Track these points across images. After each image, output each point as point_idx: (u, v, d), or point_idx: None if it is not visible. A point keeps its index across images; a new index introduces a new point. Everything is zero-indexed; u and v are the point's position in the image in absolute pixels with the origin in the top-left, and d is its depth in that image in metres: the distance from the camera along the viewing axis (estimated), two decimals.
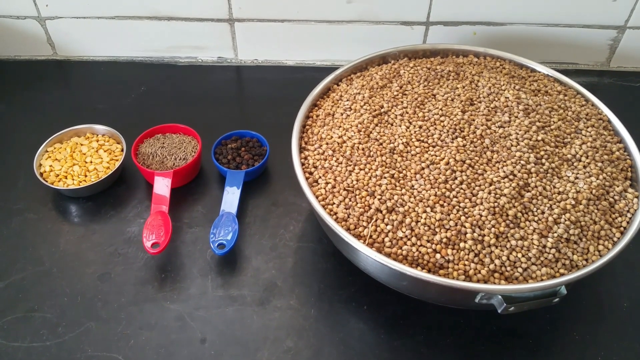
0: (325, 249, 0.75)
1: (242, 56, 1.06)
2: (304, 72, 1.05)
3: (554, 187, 0.64)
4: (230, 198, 0.77)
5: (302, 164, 0.69)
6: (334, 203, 0.65)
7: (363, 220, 0.63)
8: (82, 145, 0.84)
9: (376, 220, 0.62)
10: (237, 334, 0.66)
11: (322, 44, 1.02)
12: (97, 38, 1.04)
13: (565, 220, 0.61)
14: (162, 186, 0.77)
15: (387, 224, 0.62)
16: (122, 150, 0.84)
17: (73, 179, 0.79)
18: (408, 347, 0.65)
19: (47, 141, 0.84)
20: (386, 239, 0.61)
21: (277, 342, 0.66)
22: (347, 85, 0.79)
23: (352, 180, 0.65)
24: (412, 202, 0.63)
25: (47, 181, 0.79)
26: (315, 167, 0.69)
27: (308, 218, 0.79)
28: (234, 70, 1.06)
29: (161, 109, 0.97)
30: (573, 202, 0.63)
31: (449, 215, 0.62)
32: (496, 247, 0.60)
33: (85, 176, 0.80)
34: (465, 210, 0.62)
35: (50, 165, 0.81)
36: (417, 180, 0.65)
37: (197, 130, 0.85)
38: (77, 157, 0.82)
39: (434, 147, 0.68)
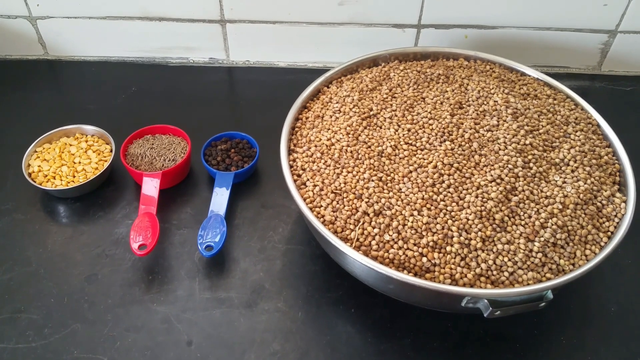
0: (314, 252, 0.74)
1: (234, 57, 1.06)
2: (296, 74, 1.05)
3: (542, 191, 0.64)
4: (219, 200, 0.77)
5: (291, 166, 0.69)
6: (321, 206, 0.65)
7: (350, 223, 0.62)
8: (71, 145, 0.84)
9: (363, 223, 0.62)
10: (224, 337, 0.66)
11: (313, 46, 1.02)
12: (88, 38, 1.03)
13: (552, 225, 0.61)
14: (151, 187, 0.77)
15: (374, 227, 0.62)
16: (111, 151, 0.84)
17: (61, 180, 0.79)
18: (395, 351, 0.65)
19: (36, 141, 0.83)
20: (373, 242, 0.61)
21: (264, 345, 0.65)
22: (337, 88, 0.79)
23: (340, 183, 0.65)
24: (399, 205, 0.63)
25: (35, 181, 0.79)
26: (304, 170, 0.69)
27: (297, 220, 0.78)
28: (226, 72, 1.06)
29: (151, 109, 0.97)
30: (560, 207, 0.63)
31: (435, 218, 0.61)
32: (482, 251, 0.60)
33: (74, 177, 0.80)
34: (452, 213, 0.62)
35: (39, 166, 0.81)
36: (404, 183, 0.65)
37: (187, 131, 0.85)
38: (65, 158, 0.82)
39: (422, 150, 0.68)
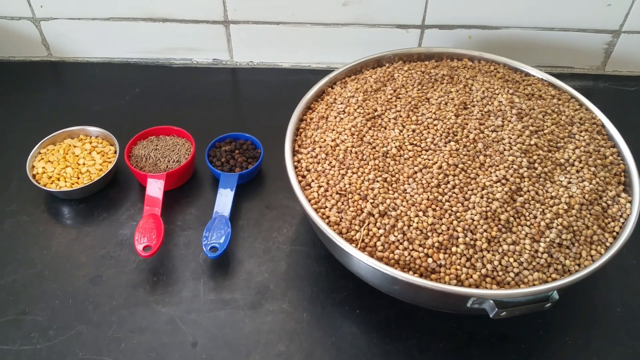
0: (319, 253, 0.74)
1: (238, 58, 1.06)
2: (300, 75, 1.05)
3: (547, 191, 0.64)
4: (224, 201, 0.77)
5: (295, 167, 0.69)
6: (326, 207, 0.64)
7: (355, 224, 0.62)
8: (75, 147, 0.84)
9: (368, 224, 0.62)
10: (229, 338, 0.66)
11: (317, 46, 1.02)
12: (91, 39, 1.03)
13: (558, 225, 0.61)
14: (155, 189, 0.77)
15: (379, 228, 0.62)
16: (115, 152, 0.84)
17: (65, 181, 0.79)
18: (400, 352, 0.65)
19: (40, 143, 0.83)
20: (378, 243, 0.61)
21: (269, 346, 0.65)
22: (342, 89, 0.79)
23: (345, 184, 0.65)
24: (404, 206, 0.63)
25: (39, 183, 0.79)
26: (308, 171, 0.69)
27: (301, 221, 0.78)
28: (229, 72, 1.06)
29: (155, 110, 0.97)
30: (565, 207, 0.62)
31: (441, 219, 0.61)
32: (488, 251, 0.60)
33: (78, 178, 0.80)
34: (458, 214, 0.62)
35: (43, 167, 0.81)
36: (409, 184, 0.65)
37: (192, 133, 0.85)
38: (70, 159, 0.82)
39: (427, 150, 0.68)
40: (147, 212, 0.75)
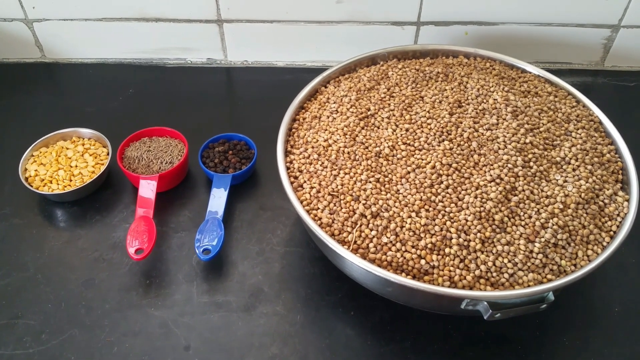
0: (313, 254, 0.74)
1: (232, 57, 1.05)
2: (294, 73, 1.04)
3: (542, 190, 0.63)
4: (217, 202, 0.76)
5: (288, 168, 0.68)
6: (318, 208, 0.64)
7: (347, 226, 0.62)
8: (67, 149, 0.83)
9: (360, 226, 0.61)
10: (222, 341, 0.65)
11: (312, 44, 1.01)
12: (85, 40, 1.03)
13: (553, 225, 0.60)
14: (148, 190, 0.76)
15: (371, 230, 0.61)
16: (108, 154, 0.83)
17: (58, 184, 0.79)
18: (395, 353, 0.64)
19: (32, 145, 0.83)
20: (370, 245, 0.60)
21: (263, 349, 0.65)
22: (335, 88, 0.78)
23: (337, 185, 0.64)
24: (397, 207, 0.62)
25: (32, 186, 0.79)
26: (301, 172, 0.68)
27: (295, 222, 0.78)
28: (224, 72, 1.05)
29: (149, 111, 0.96)
30: (561, 206, 0.61)
31: (434, 220, 0.61)
32: (482, 252, 0.59)
33: (70, 181, 0.79)
34: (451, 215, 0.61)
35: (36, 170, 0.80)
36: (402, 184, 0.64)
37: (185, 133, 0.84)
38: (62, 162, 0.81)
39: (420, 150, 0.67)
40: (140, 214, 0.74)
